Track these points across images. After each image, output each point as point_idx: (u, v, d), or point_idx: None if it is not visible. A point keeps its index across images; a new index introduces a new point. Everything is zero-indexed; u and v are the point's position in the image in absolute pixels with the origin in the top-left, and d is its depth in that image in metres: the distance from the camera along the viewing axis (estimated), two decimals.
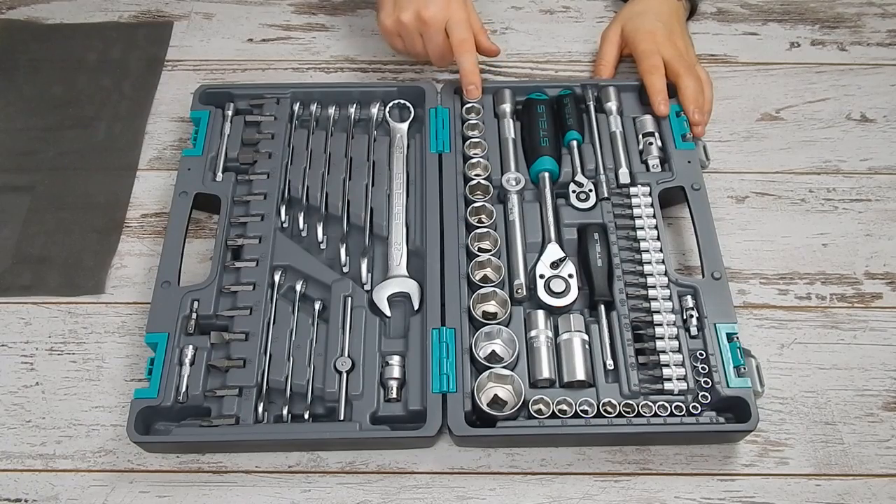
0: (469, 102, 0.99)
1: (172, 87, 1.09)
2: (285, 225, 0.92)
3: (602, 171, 0.94)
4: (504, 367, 0.80)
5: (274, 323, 0.84)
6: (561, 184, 0.94)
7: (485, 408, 0.78)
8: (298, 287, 0.87)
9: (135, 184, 1.00)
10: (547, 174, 0.94)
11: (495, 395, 0.80)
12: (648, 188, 0.92)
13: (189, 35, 1.15)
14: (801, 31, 1.15)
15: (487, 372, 0.80)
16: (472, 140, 0.96)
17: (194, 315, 0.84)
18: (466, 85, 0.98)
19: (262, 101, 0.99)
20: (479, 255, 0.87)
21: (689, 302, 0.85)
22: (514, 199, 0.92)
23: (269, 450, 0.81)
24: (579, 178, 0.93)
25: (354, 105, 1.00)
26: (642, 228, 0.89)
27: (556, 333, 0.84)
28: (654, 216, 0.90)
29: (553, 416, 0.79)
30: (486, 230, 0.89)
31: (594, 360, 0.82)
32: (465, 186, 0.93)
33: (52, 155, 1.02)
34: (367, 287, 0.87)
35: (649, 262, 0.87)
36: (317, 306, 0.86)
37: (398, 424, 0.80)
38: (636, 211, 0.90)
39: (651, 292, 0.85)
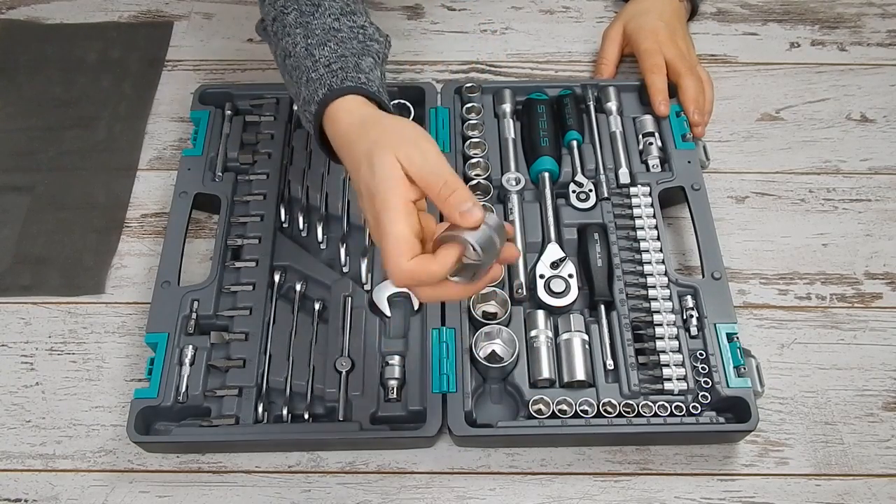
0: (469, 102, 0.99)
1: (172, 87, 1.09)
2: (285, 225, 0.92)
3: (602, 171, 0.94)
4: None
5: (274, 323, 0.84)
6: (561, 184, 0.94)
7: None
8: (298, 287, 0.87)
9: (135, 184, 1.00)
10: (547, 174, 0.94)
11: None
12: (648, 188, 0.92)
13: (189, 35, 1.15)
14: (801, 31, 1.15)
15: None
16: (472, 140, 0.96)
17: (194, 315, 0.84)
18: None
19: (262, 101, 0.99)
20: None
21: (689, 302, 0.85)
22: (514, 199, 0.92)
23: (269, 450, 0.81)
24: (579, 178, 0.93)
25: None
26: (642, 228, 0.89)
27: (556, 333, 0.84)
28: (654, 216, 0.90)
29: (553, 416, 0.79)
30: None
31: (594, 360, 0.82)
32: None
33: (52, 155, 1.02)
34: (367, 287, 0.87)
35: (649, 262, 0.87)
36: (317, 306, 0.86)
37: (398, 424, 0.80)
38: (636, 211, 0.90)
39: (651, 292, 0.85)
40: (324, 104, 0.71)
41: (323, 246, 0.91)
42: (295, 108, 0.99)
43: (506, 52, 1.12)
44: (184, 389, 0.80)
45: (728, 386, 0.79)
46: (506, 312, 0.84)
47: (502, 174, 0.94)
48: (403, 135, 0.65)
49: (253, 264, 0.87)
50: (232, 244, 0.89)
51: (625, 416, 0.79)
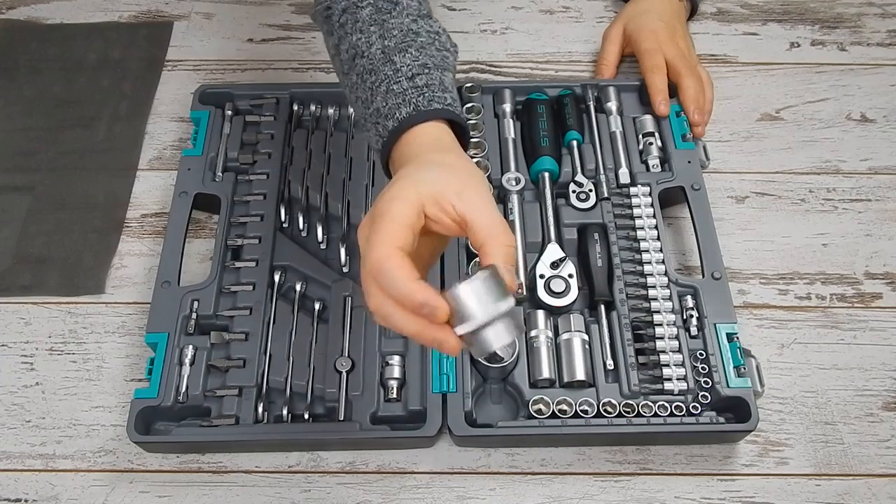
0: (469, 102, 0.99)
1: (172, 87, 1.09)
2: (285, 225, 0.92)
3: (602, 171, 0.94)
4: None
5: (274, 323, 0.84)
6: (561, 184, 0.94)
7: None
8: (298, 287, 0.87)
9: (135, 184, 1.00)
10: (547, 174, 0.93)
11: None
12: (648, 188, 0.92)
13: (189, 35, 1.15)
14: (801, 31, 1.15)
15: None
16: (472, 140, 0.96)
17: (194, 315, 0.84)
18: None
19: (262, 101, 0.99)
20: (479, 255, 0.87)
21: (689, 302, 0.85)
22: (514, 199, 0.92)
23: (269, 450, 0.81)
24: (579, 178, 0.93)
25: None
26: (642, 228, 0.89)
27: (556, 333, 0.84)
28: (654, 216, 0.90)
29: (553, 416, 0.79)
30: None
31: (594, 360, 0.82)
32: None
33: (52, 155, 1.02)
34: None
35: (649, 262, 0.87)
36: (317, 306, 0.86)
37: (398, 424, 0.80)
38: (636, 211, 0.90)
39: (651, 292, 0.85)
40: (407, 123, 0.63)
41: (323, 246, 0.91)
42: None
43: (506, 52, 1.12)
44: (184, 389, 0.80)
45: (728, 386, 0.79)
46: None
47: (502, 174, 0.94)
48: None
49: (253, 264, 0.87)
50: (232, 244, 0.89)
51: (625, 416, 0.79)
